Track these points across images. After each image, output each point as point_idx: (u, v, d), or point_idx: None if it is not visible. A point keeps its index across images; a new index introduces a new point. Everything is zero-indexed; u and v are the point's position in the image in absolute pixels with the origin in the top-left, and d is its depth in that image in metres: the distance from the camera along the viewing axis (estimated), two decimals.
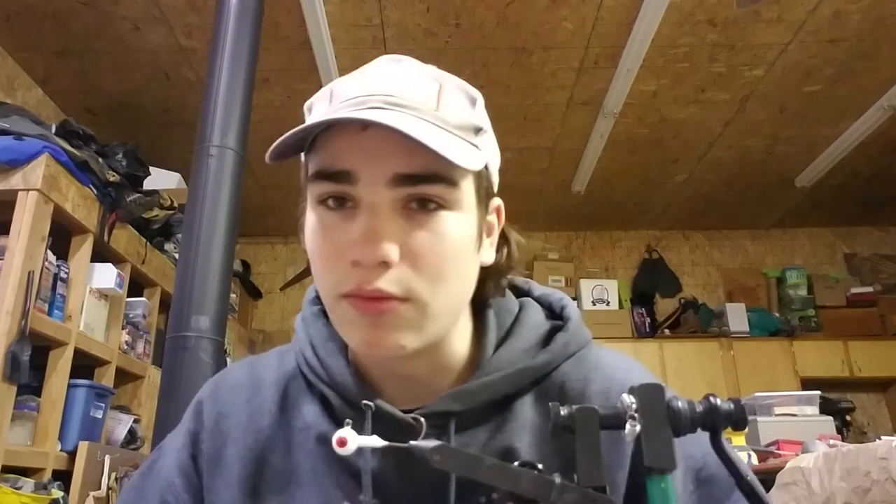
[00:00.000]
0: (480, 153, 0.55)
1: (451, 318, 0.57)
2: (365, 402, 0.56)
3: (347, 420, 0.48)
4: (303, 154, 0.57)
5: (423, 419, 0.56)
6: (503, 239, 0.63)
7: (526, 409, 0.59)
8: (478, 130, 0.56)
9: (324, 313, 0.65)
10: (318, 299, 0.67)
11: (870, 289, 4.67)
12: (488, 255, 0.60)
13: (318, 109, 0.57)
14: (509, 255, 0.62)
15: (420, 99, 0.53)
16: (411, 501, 0.56)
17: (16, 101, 2.89)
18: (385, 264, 0.51)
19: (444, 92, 0.55)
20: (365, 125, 0.51)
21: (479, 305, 0.63)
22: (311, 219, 0.56)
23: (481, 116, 0.59)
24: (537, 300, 0.67)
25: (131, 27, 2.85)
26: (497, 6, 2.75)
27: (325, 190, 0.53)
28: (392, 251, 0.51)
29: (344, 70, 3.09)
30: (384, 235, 0.51)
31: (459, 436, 0.57)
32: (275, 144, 0.53)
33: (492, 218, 0.61)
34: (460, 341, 0.60)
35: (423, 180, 0.52)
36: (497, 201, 0.62)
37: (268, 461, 0.61)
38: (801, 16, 2.81)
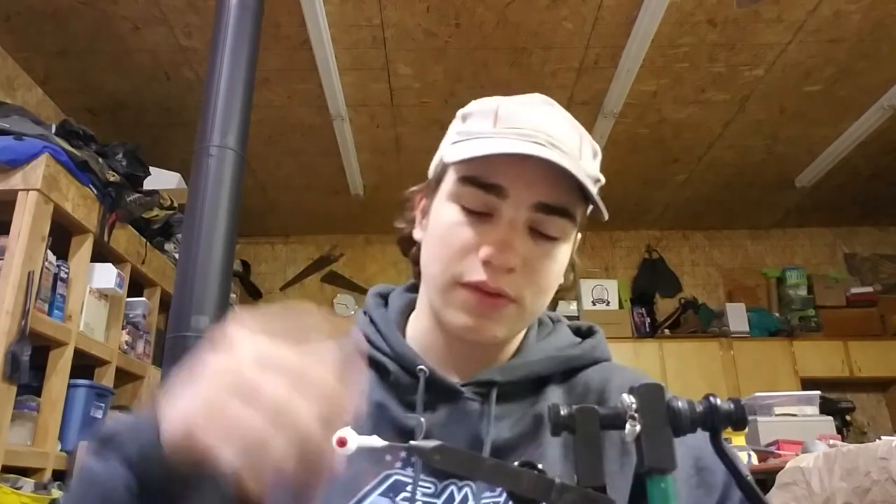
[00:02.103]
0: (598, 198, 0.66)
1: (534, 319, 0.71)
2: (420, 367, 0.66)
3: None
4: (445, 144, 0.68)
5: (466, 386, 0.66)
6: (572, 266, 0.75)
7: (556, 395, 0.69)
8: (597, 181, 0.69)
9: (384, 305, 0.76)
10: (379, 295, 0.78)
11: (870, 289, 4.67)
12: (565, 279, 0.72)
13: (481, 125, 0.66)
14: (574, 278, 0.75)
15: (571, 146, 0.64)
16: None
17: (16, 101, 2.89)
18: (511, 270, 0.61)
19: (583, 144, 0.67)
20: (528, 156, 0.60)
21: None
22: (446, 212, 0.65)
23: (598, 168, 0.71)
24: (568, 326, 0.78)
25: (131, 27, 2.85)
26: (497, 6, 2.75)
27: (472, 195, 0.63)
28: (519, 261, 0.61)
29: (344, 70, 3.10)
30: (517, 248, 0.61)
31: (499, 405, 0.66)
32: (461, 158, 0.62)
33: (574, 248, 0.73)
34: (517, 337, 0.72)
35: (557, 212, 0.63)
36: (580, 235, 0.73)
37: None
38: (801, 16, 2.81)
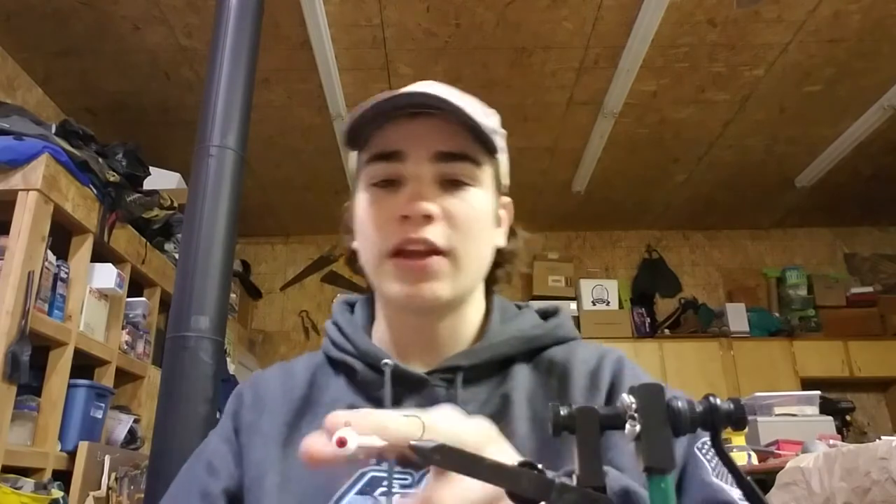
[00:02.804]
0: (498, 143, 0.69)
1: (475, 276, 0.69)
2: (385, 361, 0.67)
3: (347, 420, 0.49)
4: (353, 154, 0.71)
5: (432, 374, 0.67)
6: (512, 233, 0.76)
7: (523, 374, 0.70)
8: (494, 131, 0.70)
9: (350, 310, 0.78)
10: (346, 303, 0.80)
11: (870, 289, 4.67)
12: (501, 240, 0.74)
13: (358, 110, 0.67)
14: (515, 247, 0.76)
15: (453, 100, 0.65)
16: None
17: (16, 101, 2.90)
18: (428, 218, 0.63)
19: (469, 101, 0.68)
20: (413, 115, 0.65)
21: (490, 290, 0.75)
22: (363, 198, 0.68)
23: (497, 123, 0.73)
24: (535, 311, 0.79)
25: (131, 27, 2.85)
26: (497, 6, 2.75)
27: (377, 171, 0.66)
28: (434, 207, 0.63)
29: (344, 70, 3.10)
30: (427, 196, 0.63)
31: (465, 389, 0.67)
32: (342, 135, 0.67)
33: (503, 212, 0.74)
34: (475, 313, 0.73)
35: (457, 158, 0.65)
36: (507, 199, 0.76)
37: (297, 425, 0.70)
38: (801, 16, 2.81)
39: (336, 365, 0.73)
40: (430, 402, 0.65)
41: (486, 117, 0.70)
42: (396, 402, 0.66)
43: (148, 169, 2.83)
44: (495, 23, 2.85)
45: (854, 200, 4.54)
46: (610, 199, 4.52)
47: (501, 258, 0.74)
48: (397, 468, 0.63)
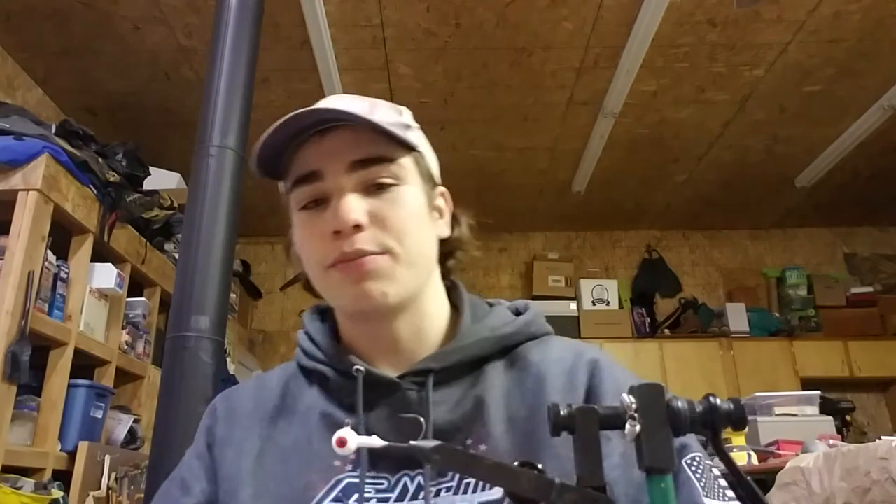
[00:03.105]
0: (411, 138, 0.69)
1: (420, 271, 0.68)
2: (356, 367, 0.67)
3: (347, 420, 0.49)
4: (280, 185, 0.72)
5: (404, 378, 0.67)
6: (455, 221, 0.76)
7: (496, 372, 0.70)
8: (407, 126, 0.71)
9: (320, 318, 0.78)
10: (316, 311, 0.80)
11: (870, 289, 4.67)
12: (444, 230, 0.74)
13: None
14: (460, 233, 0.76)
15: (357, 109, 0.66)
16: (394, 458, 0.64)
17: (16, 101, 2.90)
18: (358, 227, 0.64)
19: (375, 106, 0.70)
20: (322, 134, 0.66)
21: (453, 291, 0.76)
22: (296, 223, 0.69)
23: (409, 119, 0.73)
24: (507, 307, 0.78)
25: (131, 27, 2.85)
26: (497, 6, 2.75)
27: (302, 193, 0.67)
28: (361, 215, 0.64)
29: (344, 70, 3.10)
30: (352, 206, 0.64)
31: (437, 391, 0.67)
32: (253, 160, 0.67)
33: (440, 202, 0.74)
34: (437, 310, 0.72)
35: (373, 162, 0.66)
36: (442, 189, 0.75)
37: (271, 437, 0.70)
38: (801, 16, 2.81)
39: (309, 374, 0.73)
40: (402, 405, 0.66)
41: (398, 115, 0.72)
42: (369, 408, 0.66)
43: (148, 169, 2.83)
44: (495, 23, 2.85)
45: (854, 200, 4.54)
46: (610, 199, 4.52)
47: (449, 248, 0.74)
48: (373, 472, 0.63)
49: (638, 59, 3.01)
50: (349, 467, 0.64)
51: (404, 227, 0.66)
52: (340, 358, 0.69)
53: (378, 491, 0.63)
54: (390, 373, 0.68)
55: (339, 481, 0.64)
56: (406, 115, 0.74)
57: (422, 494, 0.62)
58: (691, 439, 0.64)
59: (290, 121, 0.64)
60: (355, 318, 0.70)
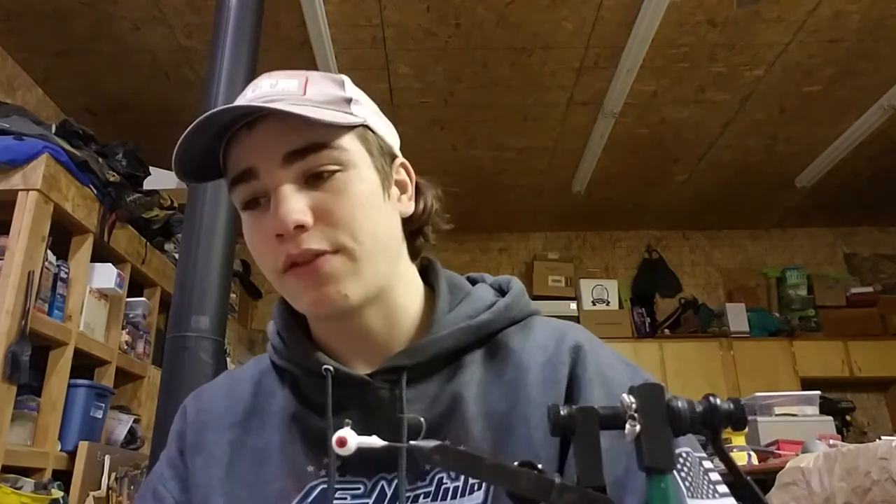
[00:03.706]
0: (351, 116, 0.62)
1: (382, 261, 0.63)
2: (325, 367, 0.63)
3: (347, 420, 0.49)
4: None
5: (375, 376, 0.63)
6: (419, 193, 0.70)
7: (474, 364, 0.65)
8: (348, 101, 0.64)
9: (289, 311, 0.72)
10: (285, 300, 0.74)
11: (870, 289, 4.67)
12: (407, 207, 0.67)
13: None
14: (426, 205, 0.70)
15: (286, 91, 0.61)
16: (369, 460, 0.60)
17: (16, 101, 2.89)
18: (302, 227, 0.58)
19: (309, 82, 0.63)
20: (250, 126, 0.60)
21: (429, 272, 0.70)
22: (243, 222, 0.64)
23: (352, 91, 0.66)
24: (489, 285, 0.73)
25: (131, 27, 2.85)
26: (497, 6, 2.75)
27: (241, 193, 0.62)
28: (303, 214, 0.58)
29: (344, 70, 3.10)
30: (293, 204, 0.58)
31: (411, 388, 0.62)
32: (174, 166, 0.62)
33: (400, 176, 0.68)
34: (409, 298, 0.67)
35: (309, 151, 0.59)
36: (400, 160, 0.69)
37: (243, 441, 0.67)
38: (801, 16, 2.81)
39: (281, 372, 0.69)
40: (374, 404, 0.62)
41: (337, 88, 0.64)
42: (339, 409, 0.62)
43: (148, 169, 2.82)
44: (495, 23, 2.85)
45: (854, 200, 4.54)
46: (610, 199, 4.52)
47: (415, 225, 0.68)
48: (348, 477, 0.61)
49: (638, 59, 3.01)
50: (323, 473, 0.62)
51: (355, 219, 0.60)
52: (309, 357, 0.65)
53: (354, 496, 0.60)
54: (363, 369, 0.64)
55: (312, 488, 0.61)
56: (348, 87, 0.66)
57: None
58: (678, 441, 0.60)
59: (211, 118, 0.59)
60: (320, 319, 0.66)
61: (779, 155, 3.95)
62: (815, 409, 3.03)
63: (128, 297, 2.76)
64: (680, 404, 0.40)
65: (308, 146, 0.59)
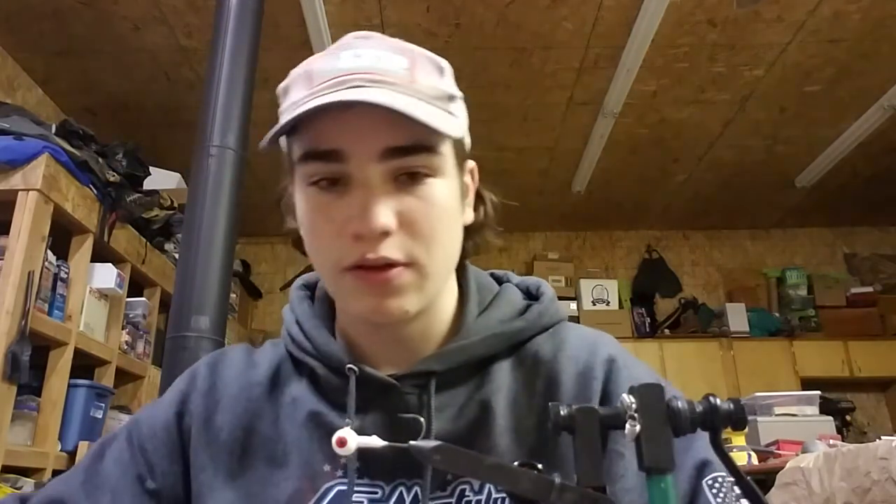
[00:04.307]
0: (457, 120, 0.59)
1: (444, 277, 0.61)
2: (349, 366, 0.60)
3: (347, 420, 0.48)
4: (282, 138, 0.60)
5: (402, 380, 0.60)
6: (479, 199, 0.66)
7: (504, 373, 0.62)
8: (451, 98, 0.59)
9: (309, 298, 0.69)
10: (304, 286, 0.71)
11: (870, 289, 4.67)
12: (469, 215, 0.64)
13: (297, 92, 0.59)
14: (486, 214, 0.66)
15: (397, 72, 0.56)
16: (389, 463, 0.59)
17: (16, 101, 2.89)
18: (385, 234, 0.54)
19: (416, 65, 0.58)
20: (350, 104, 0.53)
21: (461, 272, 0.66)
22: (303, 199, 0.58)
23: (451, 84, 0.61)
24: (516, 286, 0.70)
25: (131, 27, 2.85)
26: (497, 6, 2.75)
27: (315, 170, 0.56)
28: (390, 220, 0.53)
29: None
30: (381, 207, 0.53)
31: (440, 395, 0.60)
32: (270, 134, 0.56)
33: (467, 179, 0.64)
34: (446, 307, 0.64)
35: (410, 151, 0.54)
36: (471, 163, 0.65)
37: (255, 429, 0.63)
38: (801, 16, 2.81)
39: (298, 364, 0.65)
40: (400, 409, 0.60)
41: (439, 76, 0.60)
42: (363, 410, 0.60)
43: (148, 169, 2.82)
44: (495, 23, 2.84)
45: (854, 200, 4.54)
46: (610, 199, 4.52)
47: (469, 234, 0.64)
48: (366, 479, 0.59)
49: (638, 59, 3.01)
50: (340, 473, 0.59)
51: (434, 233, 0.56)
52: (332, 353, 0.62)
53: (372, 501, 0.58)
54: (387, 370, 0.61)
55: (329, 489, 0.59)
56: (448, 75, 0.61)
57: None
58: (712, 455, 0.57)
59: (326, 88, 0.54)
60: (361, 321, 0.62)
61: (779, 155, 3.95)
62: (815, 409, 3.04)
63: (128, 297, 2.76)
64: (680, 404, 0.40)
65: (412, 146, 0.54)
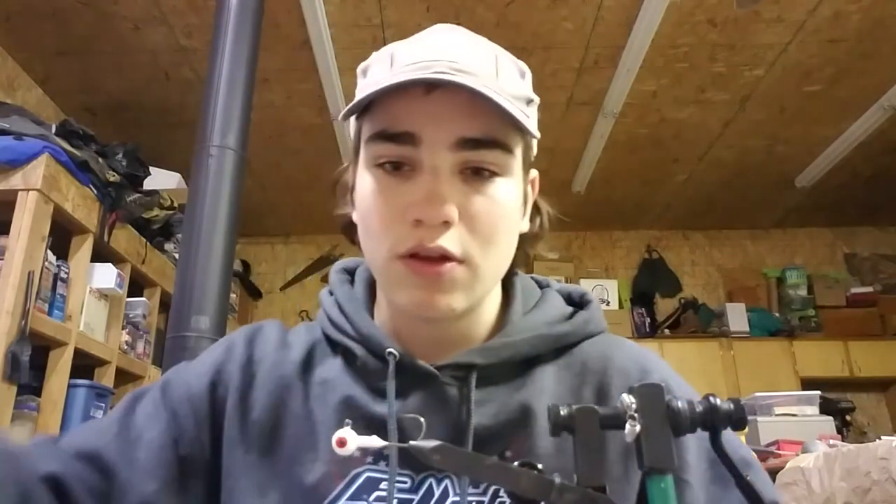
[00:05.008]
0: (530, 120, 0.58)
1: (495, 280, 0.60)
2: (389, 350, 0.59)
3: (347, 420, 0.48)
4: (352, 118, 0.60)
5: (442, 370, 0.59)
6: (535, 209, 0.66)
7: (547, 376, 0.61)
8: (529, 101, 0.60)
9: (349, 282, 0.69)
10: (345, 271, 0.70)
11: (870, 289, 4.67)
12: (525, 224, 0.63)
13: (378, 72, 0.58)
14: (541, 225, 0.66)
15: (481, 66, 0.55)
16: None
17: (16, 101, 2.89)
18: (446, 224, 0.53)
19: (500, 62, 0.58)
20: (430, 89, 0.53)
21: (507, 274, 0.65)
22: (365, 180, 0.57)
23: (530, 88, 0.62)
24: (557, 291, 0.70)
25: (131, 27, 2.85)
26: (497, 6, 2.75)
27: (384, 151, 0.55)
28: (453, 211, 0.53)
29: (344, 70, 3.10)
30: (447, 196, 0.53)
31: (480, 389, 0.59)
32: (347, 108, 0.56)
33: (528, 188, 0.64)
34: (490, 308, 0.63)
35: (484, 145, 0.54)
36: (534, 172, 0.65)
37: (287, 406, 0.62)
38: (801, 16, 2.81)
39: (334, 345, 0.64)
40: (439, 399, 0.59)
41: (520, 79, 0.60)
42: (401, 397, 0.59)
43: (148, 169, 2.83)
44: (495, 23, 2.84)
45: (854, 200, 4.54)
46: (610, 199, 4.52)
47: (523, 242, 0.63)
48: (396, 469, 0.57)
49: (638, 59, 3.01)
50: (370, 459, 0.58)
51: (493, 232, 0.55)
52: (373, 336, 0.61)
53: (400, 490, 0.57)
54: (427, 359, 0.60)
55: (357, 475, 0.57)
56: (528, 79, 0.62)
57: (448, 501, 0.56)
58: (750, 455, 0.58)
59: (409, 67, 0.53)
60: (404, 313, 0.61)
61: (779, 155, 3.95)
62: (815, 409, 3.03)
63: (128, 297, 2.77)
64: (680, 404, 0.40)
65: (487, 139, 0.54)
